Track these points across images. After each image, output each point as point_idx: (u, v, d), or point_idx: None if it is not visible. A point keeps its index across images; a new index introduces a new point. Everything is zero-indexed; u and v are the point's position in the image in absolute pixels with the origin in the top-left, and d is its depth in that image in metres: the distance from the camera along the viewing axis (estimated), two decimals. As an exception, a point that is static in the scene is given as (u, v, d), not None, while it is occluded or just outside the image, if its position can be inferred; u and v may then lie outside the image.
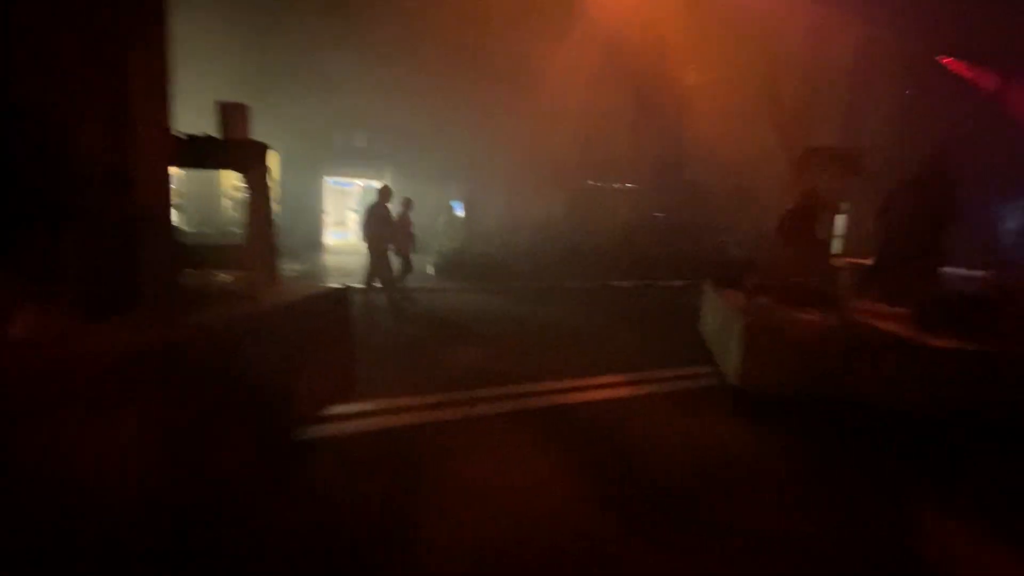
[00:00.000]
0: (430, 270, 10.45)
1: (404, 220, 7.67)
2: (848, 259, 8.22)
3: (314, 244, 13.88)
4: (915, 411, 3.45)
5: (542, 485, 2.71)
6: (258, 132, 3.49)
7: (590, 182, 14.53)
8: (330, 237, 16.38)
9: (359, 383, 3.58)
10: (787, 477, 2.97)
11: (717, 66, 12.40)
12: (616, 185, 14.50)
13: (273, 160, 3.30)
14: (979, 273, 7.33)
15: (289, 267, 10.00)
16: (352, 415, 3.40)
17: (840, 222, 16.78)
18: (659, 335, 6.32)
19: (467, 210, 15.06)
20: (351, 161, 15.12)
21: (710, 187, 13.23)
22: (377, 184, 17.14)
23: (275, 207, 3.31)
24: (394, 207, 7.50)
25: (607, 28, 12.04)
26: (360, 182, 17.13)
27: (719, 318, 4.62)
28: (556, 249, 11.94)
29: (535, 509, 2.48)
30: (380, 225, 7.26)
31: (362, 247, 7.52)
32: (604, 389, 4.24)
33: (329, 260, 12.17)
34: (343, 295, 3.37)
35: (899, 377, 3.45)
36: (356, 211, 17.12)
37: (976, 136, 13.69)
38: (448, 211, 14.07)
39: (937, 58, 15.30)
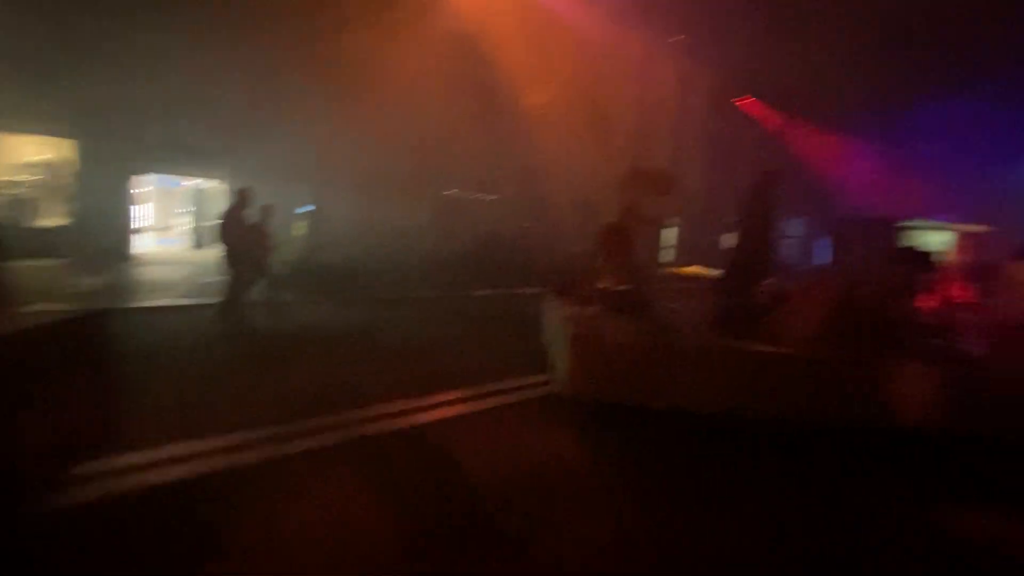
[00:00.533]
0: (278, 282, 9.55)
1: (262, 228, 6.97)
2: (688, 269, 9.42)
3: (121, 252, 11.72)
4: (721, 414, 3.80)
5: (354, 531, 2.46)
6: (44, 118, 2.75)
7: (452, 191, 14.54)
8: (146, 244, 14.04)
9: (152, 424, 3.04)
10: (599, 485, 3.09)
11: (563, 88, 13.31)
12: (477, 195, 14.72)
13: (61, 150, 2.61)
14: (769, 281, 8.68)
15: (81, 282, 8.36)
16: (120, 470, 2.75)
17: (670, 235, 19.16)
18: (507, 344, 6.37)
19: (320, 216, 14.08)
20: (174, 157, 13.13)
21: (563, 199, 14.07)
22: (216, 184, 15.40)
23: (64, 209, 2.59)
24: (252, 213, 6.81)
25: (465, 42, 12.25)
26: (191, 181, 15.08)
27: (554, 327, 4.82)
28: (416, 258, 11.72)
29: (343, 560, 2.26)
30: (236, 233, 6.52)
31: (203, 256, 6.62)
32: (442, 408, 4.10)
33: (142, 271, 10.36)
34: (96, 322, 2.76)
35: (703, 382, 3.80)
36: (191, 214, 15.07)
37: (765, 164, 16.76)
38: (299, 217, 13.02)
39: (734, 99, 18.29)
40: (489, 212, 13.98)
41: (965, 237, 11.64)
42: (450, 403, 4.20)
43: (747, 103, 18.52)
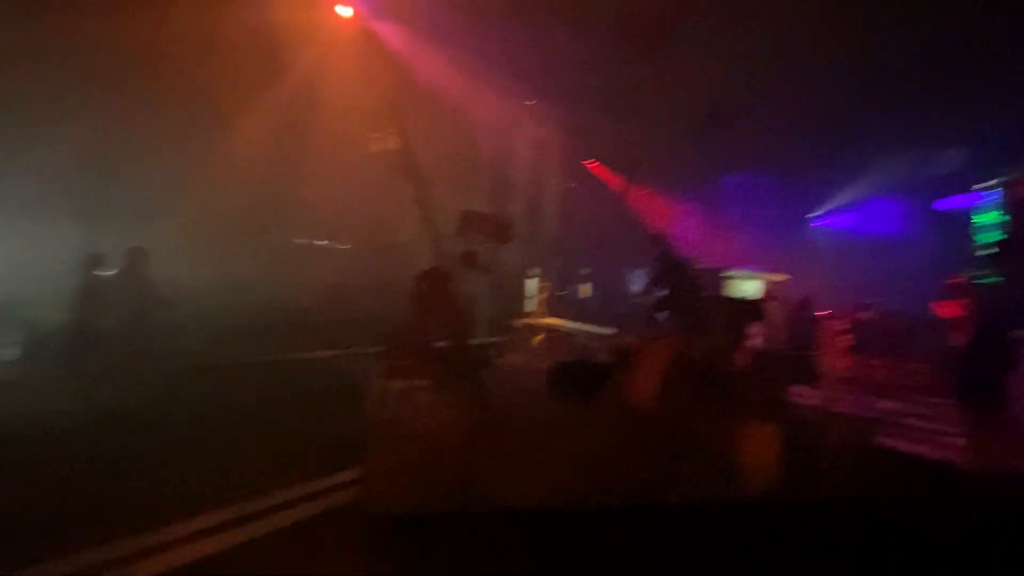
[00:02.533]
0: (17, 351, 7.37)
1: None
2: (545, 320, 9.21)
3: None
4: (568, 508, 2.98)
5: None
6: None
7: (299, 239, 13.30)
8: None
9: None
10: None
11: (421, 138, 13.16)
12: (326, 243, 13.65)
13: None
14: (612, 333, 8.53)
15: None
16: None
17: (532, 286, 19.70)
18: (325, 426, 4.83)
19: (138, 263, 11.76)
20: None
21: (420, 250, 13.59)
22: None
23: None
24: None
25: (309, 83, 11.58)
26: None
27: (366, 405, 3.91)
28: (248, 314, 10.19)
29: None
30: None
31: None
32: (185, 545, 2.89)
33: None
34: None
35: (543, 468, 3.03)
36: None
37: (611, 220, 18.44)
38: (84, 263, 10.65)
39: (583, 161, 19.96)
40: (340, 262, 12.97)
41: (770, 284, 13.57)
42: (205, 534, 3.00)
43: (593, 165, 20.27)
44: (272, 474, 3.78)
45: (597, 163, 20.34)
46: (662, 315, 5.15)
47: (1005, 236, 15.31)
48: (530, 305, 17.83)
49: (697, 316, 4.09)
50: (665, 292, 4.62)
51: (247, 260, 11.55)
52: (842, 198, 19.25)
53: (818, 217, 20.18)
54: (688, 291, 4.12)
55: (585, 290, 18.47)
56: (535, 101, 16.89)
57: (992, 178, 15.64)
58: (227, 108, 10.77)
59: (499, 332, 9.50)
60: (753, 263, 14.45)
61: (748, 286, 12.58)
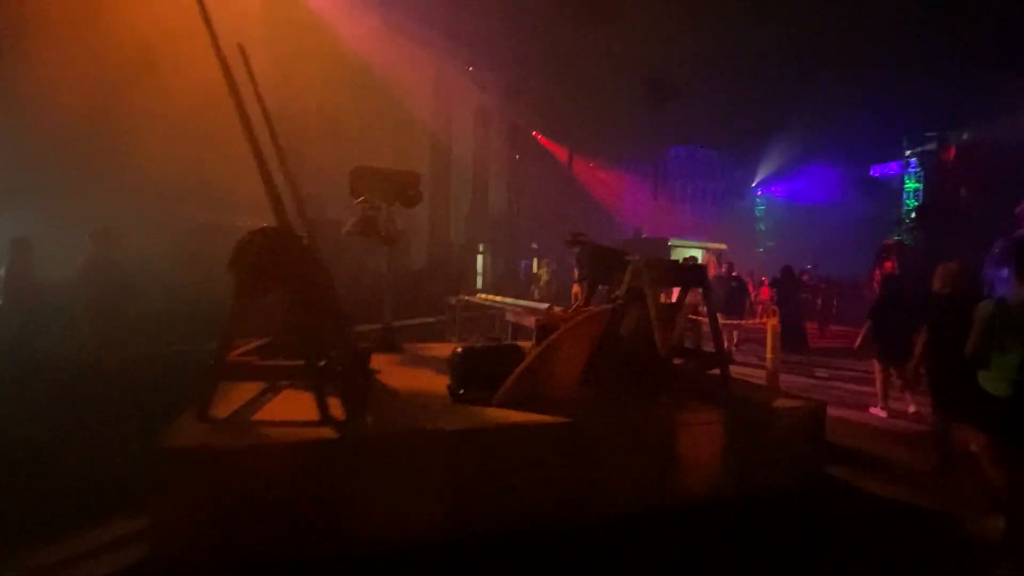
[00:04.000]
0: None
1: None
2: (481, 297, 8.37)
3: None
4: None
5: None
6: None
7: (207, 217, 11.90)
8: None
9: None
10: None
11: (348, 109, 12.15)
12: (242, 221, 12.39)
13: None
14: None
15: None
16: None
17: (481, 262, 19.08)
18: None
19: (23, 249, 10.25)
20: None
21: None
22: None
23: None
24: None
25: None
26: None
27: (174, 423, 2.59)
28: (147, 302, 8.94)
29: None
30: None
31: None
32: None
33: None
34: None
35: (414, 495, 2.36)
36: None
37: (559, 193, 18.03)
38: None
39: (532, 133, 19.34)
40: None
41: (710, 253, 13.60)
42: None
43: (539, 138, 19.71)
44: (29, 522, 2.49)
45: (539, 136, 19.79)
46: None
47: (923, 201, 16.04)
48: (477, 282, 17.27)
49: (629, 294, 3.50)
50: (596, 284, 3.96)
51: (156, 240, 10.31)
52: (783, 167, 19.63)
53: (759, 186, 20.55)
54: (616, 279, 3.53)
55: (536, 265, 18.10)
56: (473, 67, 16.07)
57: (921, 144, 16.22)
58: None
59: (436, 311, 8.88)
60: (695, 232, 14.49)
61: (690, 254, 12.52)
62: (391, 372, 3.77)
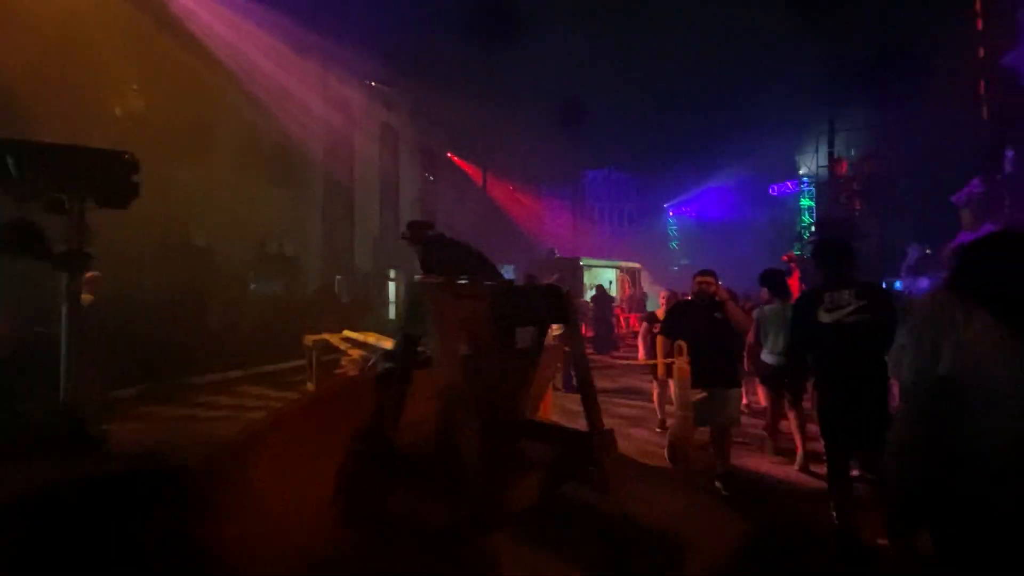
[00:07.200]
0: None
1: None
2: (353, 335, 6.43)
3: None
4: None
5: None
6: None
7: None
8: None
9: None
10: None
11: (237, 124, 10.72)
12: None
13: None
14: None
15: None
16: None
17: (394, 289, 17.79)
18: None
19: None
20: None
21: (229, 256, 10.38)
22: None
23: None
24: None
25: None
26: None
27: None
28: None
29: None
30: None
31: None
32: None
33: None
34: None
35: None
36: None
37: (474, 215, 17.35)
38: None
39: (447, 154, 18.62)
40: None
41: (623, 272, 13.32)
42: None
43: (454, 158, 19.02)
44: None
45: (452, 156, 19.10)
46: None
47: (814, 219, 17.14)
48: (391, 311, 15.90)
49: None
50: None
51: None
52: (690, 188, 20.28)
53: (671, 207, 21.12)
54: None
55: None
56: (377, 83, 15.12)
57: (815, 163, 17.33)
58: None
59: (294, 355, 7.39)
60: (608, 253, 14.27)
61: (605, 274, 12.14)
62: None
